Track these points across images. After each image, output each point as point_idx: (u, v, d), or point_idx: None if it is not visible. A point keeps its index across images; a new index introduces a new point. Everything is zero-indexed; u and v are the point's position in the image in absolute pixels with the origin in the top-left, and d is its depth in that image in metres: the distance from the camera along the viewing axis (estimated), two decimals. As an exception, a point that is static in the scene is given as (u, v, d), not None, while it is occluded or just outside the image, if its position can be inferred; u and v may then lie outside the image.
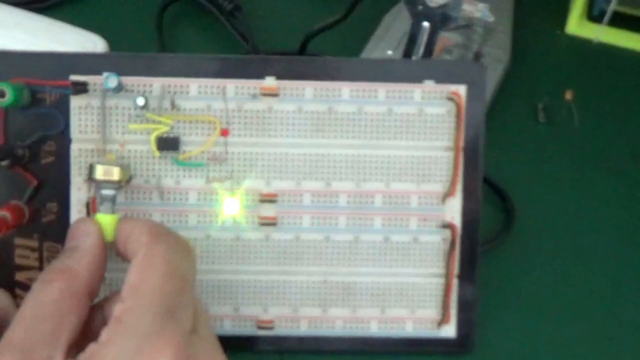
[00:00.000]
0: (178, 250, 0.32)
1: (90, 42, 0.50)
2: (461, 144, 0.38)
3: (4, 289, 0.36)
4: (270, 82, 0.37)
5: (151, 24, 0.55)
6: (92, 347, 0.29)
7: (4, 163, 0.36)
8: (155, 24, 0.55)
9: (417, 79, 0.38)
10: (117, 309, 0.30)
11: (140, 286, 0.30)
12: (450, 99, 0.38)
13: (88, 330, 0.32)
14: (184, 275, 0.32)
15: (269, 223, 0.38)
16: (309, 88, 0.37)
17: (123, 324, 0.29)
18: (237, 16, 0.55)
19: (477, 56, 0.53)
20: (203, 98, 0.37)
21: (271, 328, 0.39)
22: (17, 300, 0.36)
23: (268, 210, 0.38)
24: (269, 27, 0.56)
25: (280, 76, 0.37)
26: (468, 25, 0.54)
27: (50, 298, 0.30)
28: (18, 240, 0.37)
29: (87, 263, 0.32)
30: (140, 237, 0.32)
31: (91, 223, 0.33)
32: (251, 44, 0.53)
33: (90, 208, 0.37)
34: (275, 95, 0.37)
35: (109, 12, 0.56)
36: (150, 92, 0.37)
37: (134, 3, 0.57)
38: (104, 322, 0.32)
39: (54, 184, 0.37)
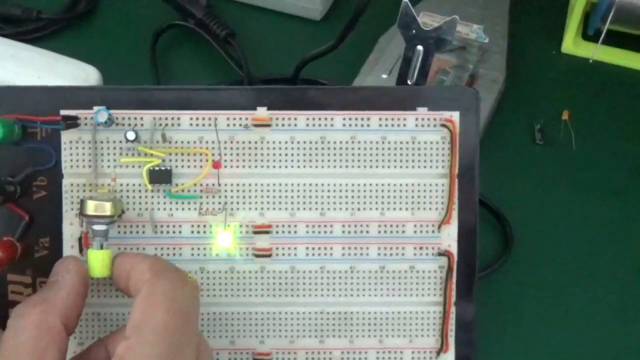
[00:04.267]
0: (181, 285, 0.32)
1: (84, 73, 0.50)
2: (456, 170, 0.38)
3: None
4: (261, 112, 0.37)
5: (145, 52, 0.55)
6: None
7: (-5, 200, 0.35)
8: (149, 52, 0.55)
9: (410, 106, 0.38)
10: (121, 347, 0.30)
11: (143, 324, 0.30)
12: (444, 125, 0.38)
13: None
14: (187, 312, 0.31)
15: (264, 254, 0.38)
16: (301, 118, 0.37)
17: None
18: (231, 43, 0.55)
19: (473, 77, 0.53)
20: (195, 130, 0.37)
21: (268, 360, 0.38)
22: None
23: (262, 242, 0.38)
24: (263, 52, 0.56)
25: (271, 106, 0.37)
26: (463, 46, 0.54)
27: (26, 335, 0.30)
28: (11, 277, 0.37)
29: (63, 296, 0.32)
30: (142, 274, 0.32)
31: (72, 260, 0.33)
32: (246, 72, 0.53)
33: (83, 243, 0.37)
34: (267, 125, 0.37)
35: (102, 42, 0.57)
36: (142, 125, 0.37)
37: (127, 32, 0.57)
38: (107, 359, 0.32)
39: (46, 219, 0.37)
